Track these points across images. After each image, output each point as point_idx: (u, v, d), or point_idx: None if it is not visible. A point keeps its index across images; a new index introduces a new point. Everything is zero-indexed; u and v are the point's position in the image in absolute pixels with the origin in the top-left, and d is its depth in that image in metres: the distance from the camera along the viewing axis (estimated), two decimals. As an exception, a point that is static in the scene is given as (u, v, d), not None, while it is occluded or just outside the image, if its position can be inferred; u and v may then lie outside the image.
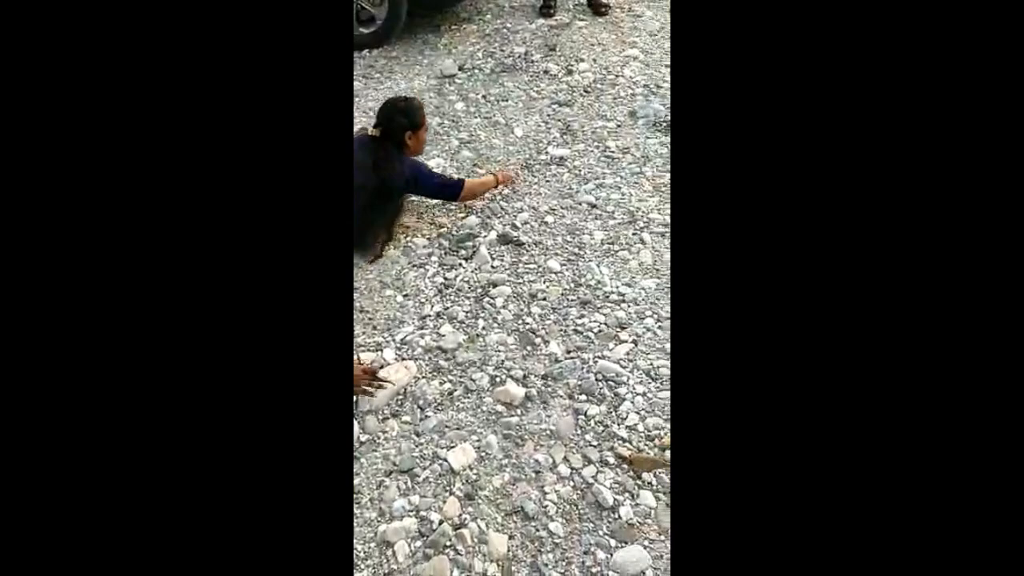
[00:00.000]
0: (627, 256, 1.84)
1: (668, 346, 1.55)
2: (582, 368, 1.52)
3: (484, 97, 2.74)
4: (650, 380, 1.47)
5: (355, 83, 2.94)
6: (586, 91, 2.70)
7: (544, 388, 1.49)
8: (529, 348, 1.59)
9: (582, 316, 1.66)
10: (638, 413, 1.40)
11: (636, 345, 1.56)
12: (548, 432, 1.39)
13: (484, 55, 3.10)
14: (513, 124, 2.52)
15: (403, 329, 1.68)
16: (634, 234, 1.91)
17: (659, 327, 1.60)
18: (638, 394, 1.44)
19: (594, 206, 2.05)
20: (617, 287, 1.73)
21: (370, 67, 3.12)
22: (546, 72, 2.88)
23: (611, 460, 1.32)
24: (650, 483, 1.28)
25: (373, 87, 2.93)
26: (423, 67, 3.06)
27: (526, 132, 2.47)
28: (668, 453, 1.32)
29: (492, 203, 2.10)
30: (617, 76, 2.78)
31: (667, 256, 1.83)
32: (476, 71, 2.96)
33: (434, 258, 1.91)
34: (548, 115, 2.56)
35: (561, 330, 1.63)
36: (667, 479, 1.29)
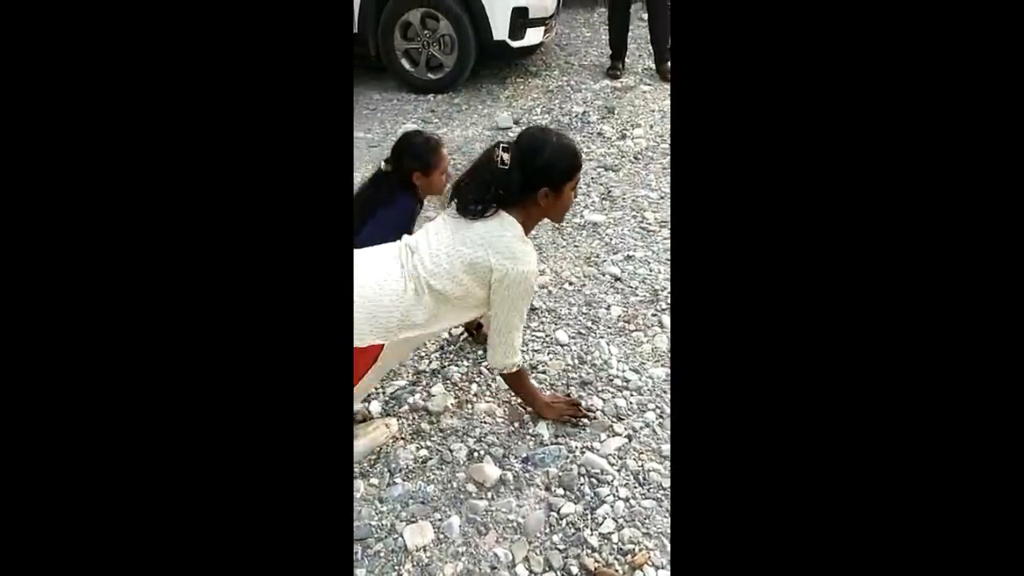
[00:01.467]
0: (641, 338, 1.72)
1: (665, 448, 1.41)
2: (567, 457, 1.40)
3: (533, 152, 2.72)
4: (637, 484, 1.34)
5: (411, 125, 3.01)
6: (636, 158, 2.63)
7: (522, 473, 1.38)
8: (516, 425, 1.49)
9: (579, 398, 1.55)
10: (615, 520, 1.27)
11: (630, 441, 1.43)
12: (515, 525, 1.28)
13: (542, 111, 3.11)
14: (555, 183, 2.48)
15: (396, 382, 1.63)
16: (653, 315, 1.80)
17: (659, 424, 1.47)
18: (620, 498, 1.31)
19: (618, 279, 1.95)
20: (623, 371, 1.61)
21: (431, 112, 3.20)
22: (600, 134, 2.84)
23: (574, 570, 1.19)
24: (612, 606, 1.14)
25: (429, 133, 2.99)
26: (481, 117, 3.10)
27: (565, 193, 2.41)
28: (639, 574, 1.18)
29: (515, 262, 2.04)
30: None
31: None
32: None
33: (444, 312, 1.86)
34: (592, 178, 2.50)
35: (554, 410, 1.52)
36: (633, 605, 1.14)
